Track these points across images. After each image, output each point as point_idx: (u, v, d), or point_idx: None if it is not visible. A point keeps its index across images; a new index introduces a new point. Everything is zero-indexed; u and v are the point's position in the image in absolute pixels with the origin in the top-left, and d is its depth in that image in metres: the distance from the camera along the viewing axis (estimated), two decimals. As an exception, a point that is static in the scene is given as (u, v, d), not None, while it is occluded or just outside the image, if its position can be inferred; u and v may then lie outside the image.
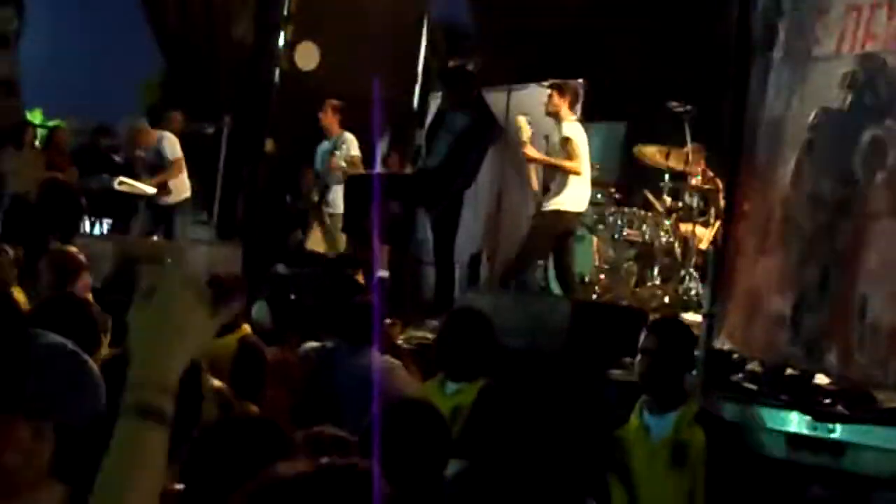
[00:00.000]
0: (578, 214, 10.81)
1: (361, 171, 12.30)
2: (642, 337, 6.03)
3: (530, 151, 10.81)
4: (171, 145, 13.12)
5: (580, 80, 12.74)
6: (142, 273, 2.11)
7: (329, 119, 12.69)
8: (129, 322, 2.06)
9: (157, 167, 13.30)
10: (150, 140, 13.26)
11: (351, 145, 12.57)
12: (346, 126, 12.50)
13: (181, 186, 13.45)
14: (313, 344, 7.56)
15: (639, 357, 5.99)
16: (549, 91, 10.68)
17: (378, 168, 12.40)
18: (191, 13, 14.61)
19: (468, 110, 10.83)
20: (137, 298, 2.06)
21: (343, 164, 12.38)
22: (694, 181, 11.25)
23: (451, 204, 10.85)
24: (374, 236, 10.69)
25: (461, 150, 10.76)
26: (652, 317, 9.70)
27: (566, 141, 10.55)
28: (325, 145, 12.77)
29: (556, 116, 10.70)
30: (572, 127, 10.63)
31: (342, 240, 11.97)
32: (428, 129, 11.77)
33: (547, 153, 10.82)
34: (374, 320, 7.12)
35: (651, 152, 11.70)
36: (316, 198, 12.73)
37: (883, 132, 6.27)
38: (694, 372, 6.71)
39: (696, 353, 6.39)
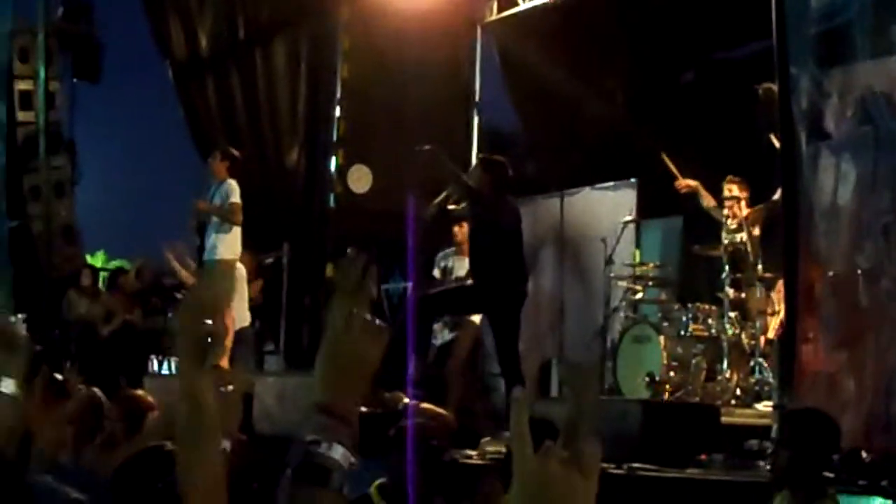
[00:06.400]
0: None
1: (238, 219, 12.08)
2: (777, 429, 5.54)
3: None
4: (233, 190, 12.29)
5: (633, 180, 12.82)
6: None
7: (217, 165, 12.42)
8: None
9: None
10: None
11: (232, 192, 12.18)
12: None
13: (242, 315, 13.17)
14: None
15: (774, 450, 5.51)
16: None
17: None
18: (241, 144, 14.74)
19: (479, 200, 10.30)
20: None
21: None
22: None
23: (512, 310, 10.59)
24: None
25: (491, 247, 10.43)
26: (726, 410, 9.67)
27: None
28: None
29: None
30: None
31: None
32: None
33: None
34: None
35: (710, 247, 11.58)
36: None
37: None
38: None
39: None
